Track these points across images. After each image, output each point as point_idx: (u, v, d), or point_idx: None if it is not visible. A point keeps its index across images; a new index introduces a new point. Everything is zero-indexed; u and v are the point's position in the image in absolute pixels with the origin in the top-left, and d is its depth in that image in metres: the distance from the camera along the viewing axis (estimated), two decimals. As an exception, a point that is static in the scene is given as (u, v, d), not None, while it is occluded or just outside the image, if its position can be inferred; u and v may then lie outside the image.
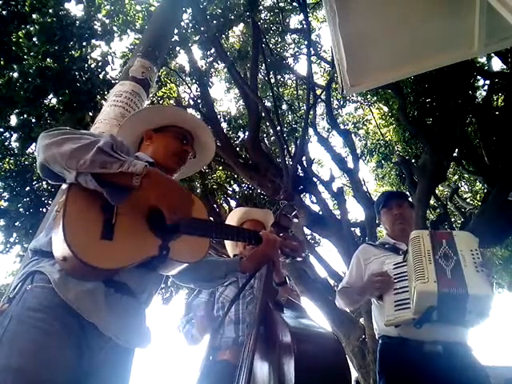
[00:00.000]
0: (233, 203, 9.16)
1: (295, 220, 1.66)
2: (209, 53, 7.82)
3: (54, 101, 5.49)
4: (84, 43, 5.44)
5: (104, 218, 1.10)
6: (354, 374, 5.47)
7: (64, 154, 1.07)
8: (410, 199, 2.59)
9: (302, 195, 7.49)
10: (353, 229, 7.06)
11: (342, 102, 10.15)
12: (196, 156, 1.57)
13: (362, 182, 7.26)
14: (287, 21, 9.18)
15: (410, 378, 1.79)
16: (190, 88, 8.37)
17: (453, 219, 9.70)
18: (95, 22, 5.71)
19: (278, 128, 7.17)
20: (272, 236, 1.50)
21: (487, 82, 7.70)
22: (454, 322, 1.75)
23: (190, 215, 1.21)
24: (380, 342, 2.03)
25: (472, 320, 1.73)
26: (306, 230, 7.20)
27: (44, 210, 6.14)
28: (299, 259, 1.63)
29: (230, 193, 9.49)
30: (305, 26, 7.67)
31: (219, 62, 8.43)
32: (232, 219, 2.41)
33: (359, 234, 7.40)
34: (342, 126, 9.51)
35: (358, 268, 2.20)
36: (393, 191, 2.58)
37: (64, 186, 1.15)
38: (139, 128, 1.53)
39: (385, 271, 1.98)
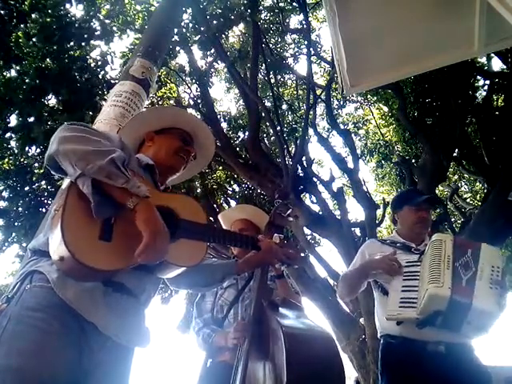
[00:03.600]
0: (233, 203, 9.14)
1: (290, 219, 1.67)
2: (209, 53, 7.81)
3: (53, 101, 5.49)
4: (83, 43, 5.44)
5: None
6: (354, 374, 5.47)
7: (77, 153, 1.07)
8: None
9: (302, 195, 7.49)
10: (353, 229, 7.04)
11: (342, 102, 10.13)
12: (196, 157, 1.58)
13: (362, 182, 7.24)
14: (287, 21, 9.16)
15: (412, 377, 1.79)
16: (190, 88, 8.36)
17: (453, 219, 9.68)
18: (95, 22, 5.70)
19: (278, 128, 7.16)
20: (270, 246, 1.50)
21: (487, 82, 7.70)
22: (451, 329, 1.75)
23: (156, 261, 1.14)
24: (382, 341, 2.02)
25: (468, 331, 1.74)
26: (306, 230, 7.19)
27: (43, 210, 6.14)
28: (296, 266, 1.63)
29: (230, 193, 9.48)
30: (305, 26, 7.67)
31: (219, 62, 8.43)
32: (223, 222, 2.43)
33: (359, 234, 7.38)
34: (342, 126, 9.50)
35: (363, 261, 2.18)
36: (430, 196, 2.51)
37: (64, 186, 1.15)
38: (140, 130, 1.53)
39: (397, 259, 1.95)
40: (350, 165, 7.45)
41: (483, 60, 7.80)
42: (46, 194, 6.44)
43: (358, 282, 2.12)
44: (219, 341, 2.02)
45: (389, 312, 1.85)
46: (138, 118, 1.60)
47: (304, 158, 7.27)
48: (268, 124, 8.06)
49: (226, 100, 19.26)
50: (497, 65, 8.59)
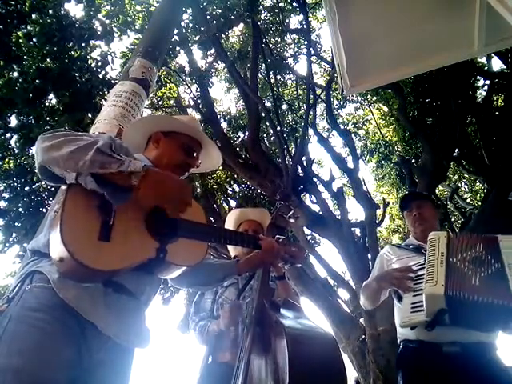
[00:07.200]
0: (233, 203, 9.15)
1: (292, 220, 1.66)
2: (209, 53, 7.81)
3: (53, 101, 5.49)
4: (84, 43, 5.43)
5: (102, 219, 1.09)
6: (354, 374, 5.47)
7: (63, 157, 1.07)
8: (432, 197, 2.51)
9: (302, 195, 7.48)
10: (353, 229, 7.03)
11: (342, 102, 10.13)
12: (200, 165, 1.55)
13: (362, 182, 7.24)
14: (287, 21, 9.17)
15: (429, 379, 1.77)
16: (190, 88, 8.35)
17: (453, 219, 9.69)
18: (95, 23, 5.70)
19: (278, 128, 7.16)
20: (271, 244, 1.48)
21: (487, 82, 7.70)
22: (474, 328, 1.70)
23: (190, 205, 1.23)
24: (401, 346, 2.00)
25: (495, 329, 1.68)
26: (306, 230, 7.18)
27: (44, 210, 6.14)
28: (298, 265, 1.62)
29: (230, 193, 9.48)
30: (305, 26, 7.67)
31: (219, 62, 8.43)
32: (230, 221, 2.44)
33: (359, 234, 7.38)
34: (342, 126, 9.49)
35: (381, 268, 2.18)
36: (411, 192, 2.54)
37: (64, 187, 1.15)
38: (151, 128, 1.50)
39: (410, 267, 1.92)
40: (350, 165, 7.45)
41: (483, 60, 7.81)
42: (46, 194, 6.44)
43: (377, 292, 2.10)
44: (214, 328, 2.07)
45: (402, 319, 1.81)
46: (151, 118, 1.60)
47: (304, 158, 7.27)
48: (268, 124, 8.07)
49: (226, 100, 19.31)
50: (497, 65, 8.60)
